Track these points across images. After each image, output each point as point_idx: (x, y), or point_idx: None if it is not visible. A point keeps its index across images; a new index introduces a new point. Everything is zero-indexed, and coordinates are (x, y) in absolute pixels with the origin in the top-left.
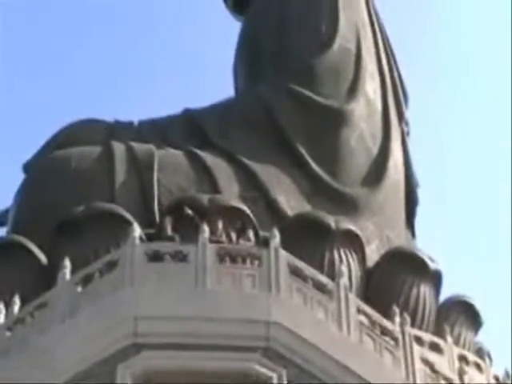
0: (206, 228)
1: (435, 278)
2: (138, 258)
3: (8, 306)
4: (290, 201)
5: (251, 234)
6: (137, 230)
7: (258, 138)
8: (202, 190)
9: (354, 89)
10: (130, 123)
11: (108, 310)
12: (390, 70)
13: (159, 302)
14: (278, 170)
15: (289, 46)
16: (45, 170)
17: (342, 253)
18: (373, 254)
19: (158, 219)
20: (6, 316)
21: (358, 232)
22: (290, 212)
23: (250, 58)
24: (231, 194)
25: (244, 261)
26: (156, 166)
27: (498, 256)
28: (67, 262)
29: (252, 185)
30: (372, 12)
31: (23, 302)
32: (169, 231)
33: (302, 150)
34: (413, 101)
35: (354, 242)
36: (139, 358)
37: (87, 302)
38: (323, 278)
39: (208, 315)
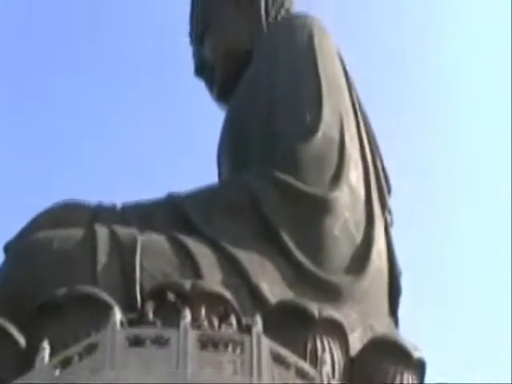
0: (187, 313)
1: (419, 367)
2: (119, 343)
3: None
4: (274, 288)
5: (234, 320)
6: (118, 314)
7: (242, 225)
8: (184, 275)
9: (337, 177)
10: (114, 206)
11: None
12: (373, 159)
13: None
14: (261, 257)
15: (274, 133)
16: (27, 251)
17: (325, 341)
18: (356, 342)
19: (139, 304)
20: None
21: (342, 320)
22: (272, 299)
23: (235, 145)
24: (214, 280)
25: (226, 347)
26: (139, 251)
27: (484, 344)
28: (46, 344)
29: (235, 271)
30: (355, 101)
31: None
32: (150, 316)
33: (286, 238)
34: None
35: (337, 330)
36: None
37: None
38: (306, 366)
39: None
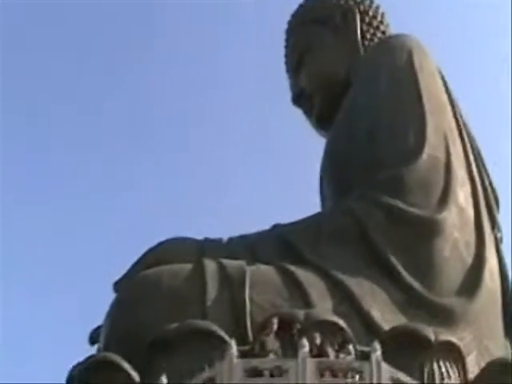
0: (305, 343)
1: None
2: (237, 375)
3: None
4: (385, 314)
5: (351, 347)
6: (234, 347)
7: (349, 251)
8: (294, 306)
9: (444, 197)
10: (220, 240)
11: None
12: (481, 177)
13: None
14: (371, 283)
15: (377, 157)
16: (136, 289)
17: (443, 365)
18: (472, 365)
19: (250, 336)
20: None
21: (459, 343)
22: (384, 325)
23: (338, 172)
24: (325, 309)
25: (345, 375)
26: (248, 283)
27: None
28: (164, 380)
29: (345, 299)
30: (459, 119)
31: None
32: (268, 347)
33: (395, 262)
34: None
35: (454, 354)
36: None
37: None
38: None
39: None
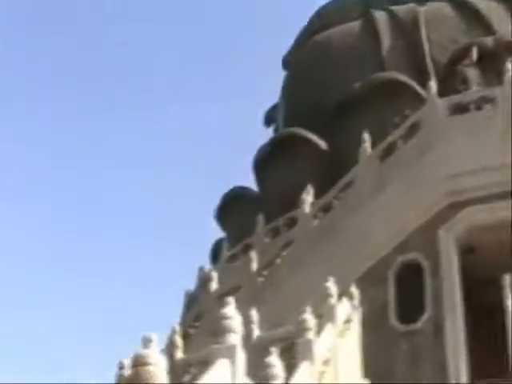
0: (509, 66)
1: None
2: (442, 114)
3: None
4: None
5: None
6: (433, 87)
7: None
8: (473, 36)
9: None
10: None
11: (418, 176)
12: None
13: (469, 156)
14: None
15: None
16: (309, 55)
17: None
18: None
19: (431, 76)
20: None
21: None
22: None
23: None
24: (507, 33)
25: None
26: (422, 24)
27: None
28: (366, 136)
29: None
30: None
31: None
32: (470, 78)
33: None
34: None
35: None
36: (460, 217)
37: (394, 172)
38: None
39: None
